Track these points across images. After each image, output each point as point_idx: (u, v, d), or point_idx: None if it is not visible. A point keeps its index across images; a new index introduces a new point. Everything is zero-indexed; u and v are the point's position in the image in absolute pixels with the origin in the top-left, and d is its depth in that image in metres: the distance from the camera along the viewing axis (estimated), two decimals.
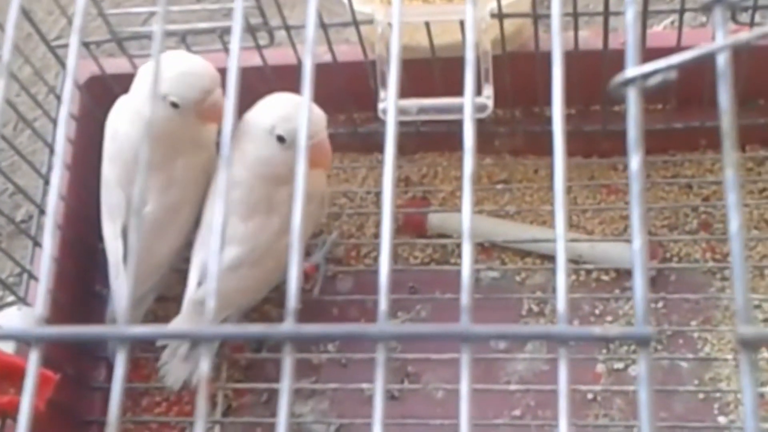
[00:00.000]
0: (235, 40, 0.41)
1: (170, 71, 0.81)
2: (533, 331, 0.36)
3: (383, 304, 0.35)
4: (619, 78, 0.35)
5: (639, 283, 0.31)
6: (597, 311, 0.94)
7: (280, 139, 0.82)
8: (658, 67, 0.34)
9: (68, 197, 0.92)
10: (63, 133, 0.33)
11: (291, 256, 0.36)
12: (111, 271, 0.89)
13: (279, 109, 0.82)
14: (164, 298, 0.94)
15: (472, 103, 0.40)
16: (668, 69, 0.34)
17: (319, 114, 0.82)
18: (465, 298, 0.33)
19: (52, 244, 0.32)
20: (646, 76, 0.34)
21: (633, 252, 0.32)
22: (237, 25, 0.42)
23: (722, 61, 0.34)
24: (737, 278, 0.31)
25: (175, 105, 0.82)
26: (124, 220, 0.87)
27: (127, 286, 0.36)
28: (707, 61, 0.34)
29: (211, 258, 0.35)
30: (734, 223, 0.31)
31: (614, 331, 0.32)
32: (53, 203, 0.33)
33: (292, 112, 0.81)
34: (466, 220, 0.35)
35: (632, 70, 0.34)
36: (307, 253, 0.96)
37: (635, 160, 0.33)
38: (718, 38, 0.34)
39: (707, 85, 0.40)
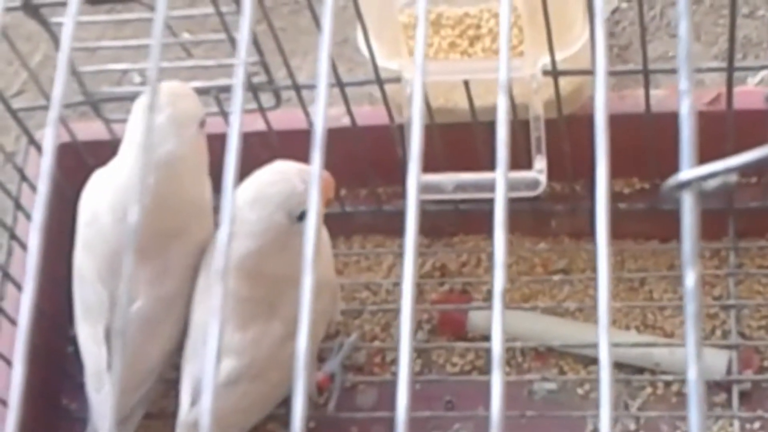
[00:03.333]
0: (237, 102, 0.45)
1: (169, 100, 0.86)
2: None
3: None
4: (672, 180, 0.38)
5: (695, 424, 0.34)
6: None
7: (302, 215, 0.84)
8: (716, 169, 0.37)
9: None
10: (37, 243, 0.37)
11: (297, 366, 0.39)
12: (90, 384, 0.91)
13: (276, 197, 0.85)
14: (147, 415, 0.96)
15: (505, 177, 0.42)
16: (727, 172, 0.37)
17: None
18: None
19: (22, 372, 0.35)
20: (703, 178, 0.38)
21: (689, 384, 0.36)
22: (238, 85, 0.46)
23: None
24: None
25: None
26: (107, 322, 0.90)
27: (111, 404, 0.39)
28: None
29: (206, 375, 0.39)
30: None
31: None
32: (26, 323, 0.37)
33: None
34: (497, 316, 0.38)
35: (687, 173, 0.38)
36: (320, 359, 0.99)
37: (691, 277, 0.36)
38: None
39: None
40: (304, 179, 0.84)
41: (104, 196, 0.90)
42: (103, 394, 0.90)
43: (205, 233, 0.91)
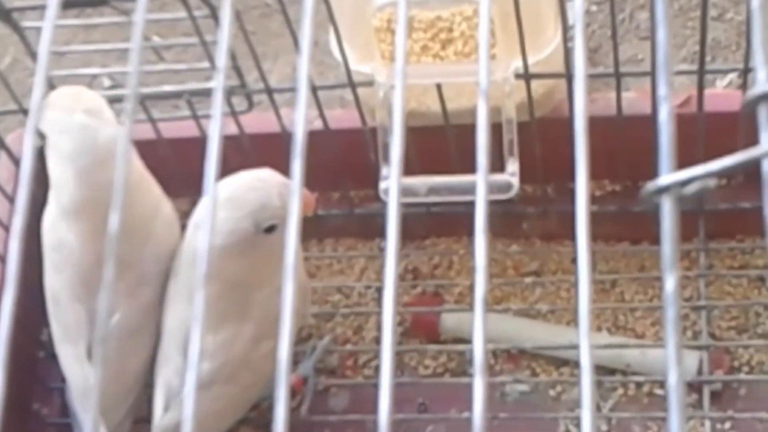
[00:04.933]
0: (216, 107, 0.45)
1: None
2: None
3: None
4: (651, 186, 0.38)
5: (675, 427, 0.35)
6: None
7: (270, 229, 0.85)
8: (695, 174, 0.38)
9: None
10: (17, 251, 0.37)
11: (279, 373, 0.40)
12: (78, 404, 0.91)
13: (249, 204, 0.85)
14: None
15: (486, 183, 0.43)
16: (707, 176, 0.38)
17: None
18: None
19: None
20: (682, 183, 0.38)
21: (669, 388, 0.36)
22: (218, 89, 0.46)
23: None
24: None
25: None
26: (88, 340, 0.89)
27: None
28: None
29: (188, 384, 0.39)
30: None
31: None
32: (6, 331, 0.37)
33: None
34: (478, 320, 0.38)
35: (666, 177, 0.38)
36: (293, 362, 0.99)
37: (670, 282, 0.37)
38: (764, 141, 0.38)
39: None
40: (282, 194, 0.83)
41: (67, 220, 0.88)
42: (91, 414, 0.89)
43: (173, 237, 0.91)
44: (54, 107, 0.84)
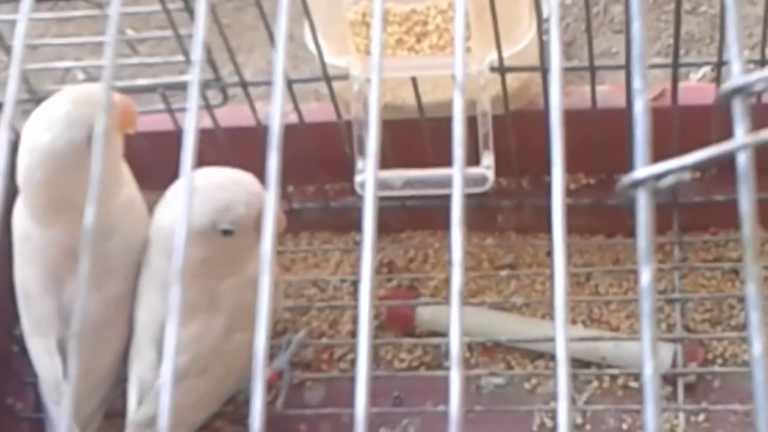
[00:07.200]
0: (192, 100, 0.45)
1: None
2: None
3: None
4: (627, 179, 0.39)
5: (651, 419, 0.35)
6: (625, 425, 0.97)
7: (227, 232, 0.85)
8: (670, 167, 0.38)
9: None
10: None
11: (255, 367, 0.40)
12: (48, 396, 0.91)
13: (214, 202, 0.85)
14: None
15: (462, 176, 0.43)
16: (682, 170, 0.38)
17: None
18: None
19: None
20: (658, 177, 0.38)
21: (645, 380, 0.36)
22: (194, 83, 0.46)
23: (743, 160, 0.38)
24: (761, 409, 0.35)
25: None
26: (58, 333, 0.89)
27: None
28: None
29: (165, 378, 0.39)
30: (757, 347, 0.35)
31: None
32: None
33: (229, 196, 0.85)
34: (455, 313, 0.39)
35: (642, 171, 0.38)
36: (268, 355, 0.99)
37: (646, 275, 0.37)
38: (738, 134, 0.38)
39: None
40: (250, 203, 0.83)
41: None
42: (63, 405, 0.89)
43: (141, 230, 0.91)
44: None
